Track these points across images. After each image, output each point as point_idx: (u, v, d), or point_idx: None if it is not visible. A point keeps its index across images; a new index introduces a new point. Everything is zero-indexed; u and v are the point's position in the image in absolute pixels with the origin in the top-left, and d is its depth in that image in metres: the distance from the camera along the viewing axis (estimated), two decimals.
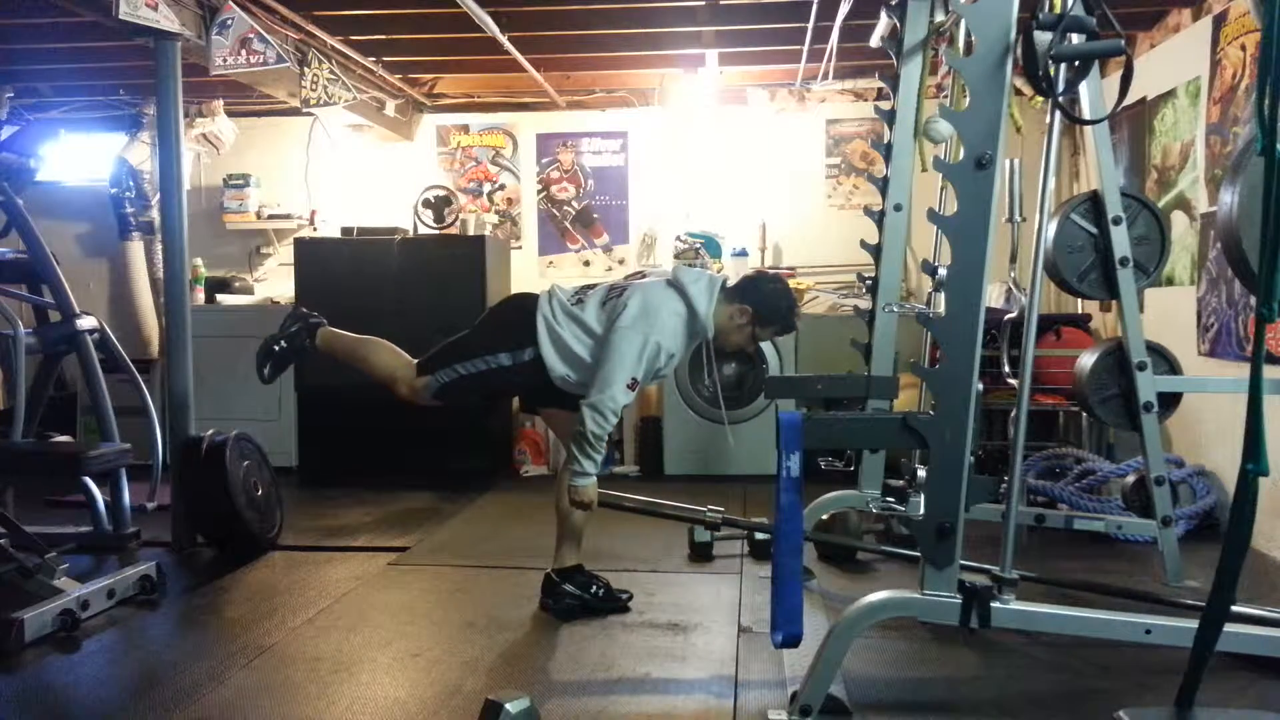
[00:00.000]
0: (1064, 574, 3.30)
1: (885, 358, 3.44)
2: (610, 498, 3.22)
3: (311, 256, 5.48)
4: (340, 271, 5.39)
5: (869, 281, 3.54)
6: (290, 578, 3.51)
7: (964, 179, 2.18)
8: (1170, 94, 4.45)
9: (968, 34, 2.91)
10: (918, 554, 2.58)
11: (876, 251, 3.46)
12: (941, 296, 2.35)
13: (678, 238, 5.92)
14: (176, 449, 3.83)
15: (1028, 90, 4.63)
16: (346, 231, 5.55)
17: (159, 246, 5.56)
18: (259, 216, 6.17)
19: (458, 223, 5.67)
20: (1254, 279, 1.93)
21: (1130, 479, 3.88)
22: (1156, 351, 3.16)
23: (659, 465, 5.42)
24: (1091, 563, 3.54)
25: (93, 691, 2.52)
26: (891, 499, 3.35)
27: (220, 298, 5.89)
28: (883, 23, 3.86)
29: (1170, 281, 4.39)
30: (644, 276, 3.13)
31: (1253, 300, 2.71)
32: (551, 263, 6.25)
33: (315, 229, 6.08)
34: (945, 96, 3.71)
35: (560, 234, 6.25)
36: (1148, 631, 2.24)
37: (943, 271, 2.25)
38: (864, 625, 2.30)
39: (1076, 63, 2.29)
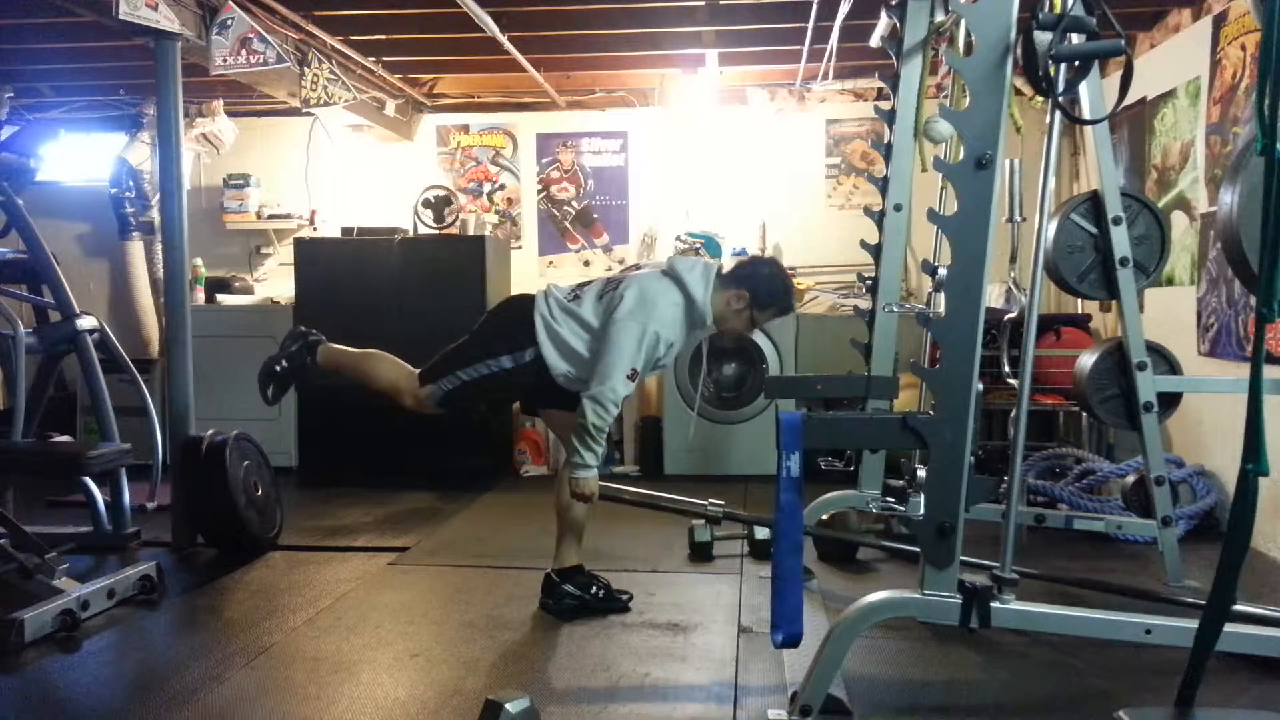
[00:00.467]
0: (1064, 574, 3.30)
1: (885, 358, 3.44)
2: (611, 490, 3.22)
3: (311, 256, 5.48)
4: (340, 271, 5.39)
5: (869, 281, 3.54)
6: (290, 578, 3.51)
7: (964, 179, 2.18)
8: (1170, 94, 4.45)
9: (968, 34, 2.91)
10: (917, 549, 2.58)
11: (876, 251, 3.46)
12: (941, 296, 2.34)
13: (678, 238, 5.92)
14: (176, 449, 3.83)
15: (1028, 90, 4.64)
16: (346, 231, 5.55)
17: (159, 246, 5.56)
18: (259, 216, 6.17)
19: (458, 223, 5.67)
20: (1254, 279, 1.93)
21: (1130, 479, 3.88)
22: (1156, 351, 3.16)
23: (659, 465, 5.42)
24: (1091, 563, 3.54)
25: (93, 691, 2.52)
26: (891, 499, 3.35)
27: (220, 298, 5.89)
28: (883, 23, 3.86)
29: (1170, 281, 4.39)
30: (639, 269, 3.13)
31: (1253, 300, 2.71)
32: (551, 263, 6.25)
33: (315, 229, 6.08)
34: (945, 96, 3.71)
35: (560, 234, 6.25)
36: (1148, 631, 2.24)
37: (943, 271, 2.25)
38: (864, 625, 2.30)
39: (1076, 63, 2.29)
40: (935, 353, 3.71)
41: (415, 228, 5.66)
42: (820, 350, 5.31)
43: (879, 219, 3.44)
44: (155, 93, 3.96)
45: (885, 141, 3.43)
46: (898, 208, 3.40)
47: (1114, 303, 3.15)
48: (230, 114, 5.87)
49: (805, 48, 4.82)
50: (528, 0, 4.32)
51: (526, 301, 3.08)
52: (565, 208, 6.24)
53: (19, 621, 2.73)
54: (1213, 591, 1.92)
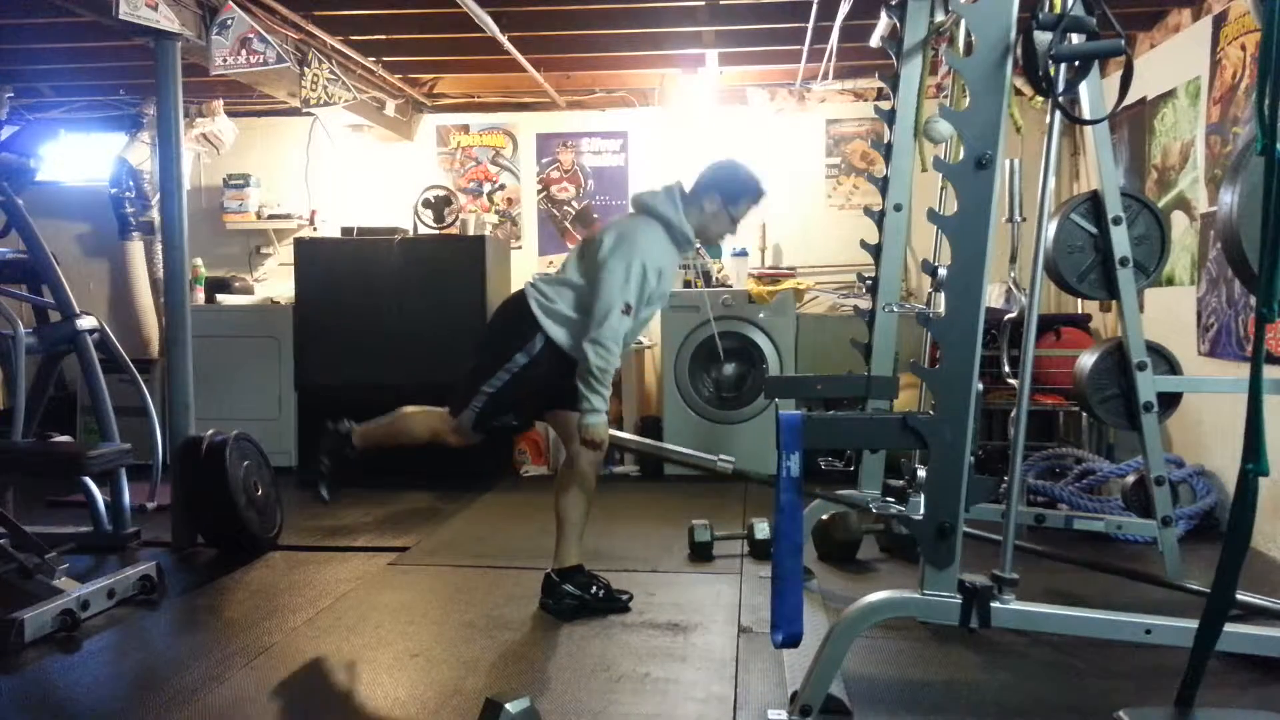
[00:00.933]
0: (1064, 574, 3.31)
1: (885, 358, 3.43)
2: (620, 439, 3.19)
3: (311, 256, 5.47)
4: (340, 271, 5.39)
5: (869, 281, 3.54)
6: (290, 578, 3.51)
7: (964, 179, 2.18)
8: (1170, 94, 4.45)
9: (968, 34, 2.91)
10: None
11: (876, 251, 3.46)
12: (941, 296, 2.34)
13: None
14: (176, 449, 3.82)
15: (1028, 90, 4.63)
16: (346, 231, 5.55)
17: (159, 246, 5.56)
18: (259, 216, 6.17)
19: (458, 223, 5.67)
20: (1254, 279, 1.93)
21: (1130, 479, 3.88)
22: (1156, 351, 3.16)
23: (659, 465, 5.41)
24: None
25: (93, 691, 2.52)
26: (891, 499, 3.35)
27: (220, 298, 5.89)
28: (883, 23, 3.86)
29: (1170, 281, 4.39)
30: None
31: (1253, 300, 2.71)
32: (551, 262, 6.24)
33: (315, 229, 6.08)
34: (945, 96, 3.71)
35: (560, 234, 6.25)
36: (1148, 631, 2.24)
37: (943, 271, 2.25)
38: (864, 625, 2.29)
39: (1076, 63, 2.29)
40: (935, 353, 3.71)
41: (415, 228, 5.65)
42: (820, 350, 5.32)
43: (879, 219, 3.44)
44: (155, 93, 3.96)
45: (885, 141, 3.43)
46: (898, 208, 3.39)
47: (1114, 303, 3.15)
48: (230, 114, 5.87)
49: (805, 48, 4.82)
50: (528, 0, 4.33)
51: (516, 296, 3.11)
52: (565, 208, 6.24)
53: (19, 621, 2.73)
54: (1212, 591, 1.92)
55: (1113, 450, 4.65)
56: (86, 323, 3.90)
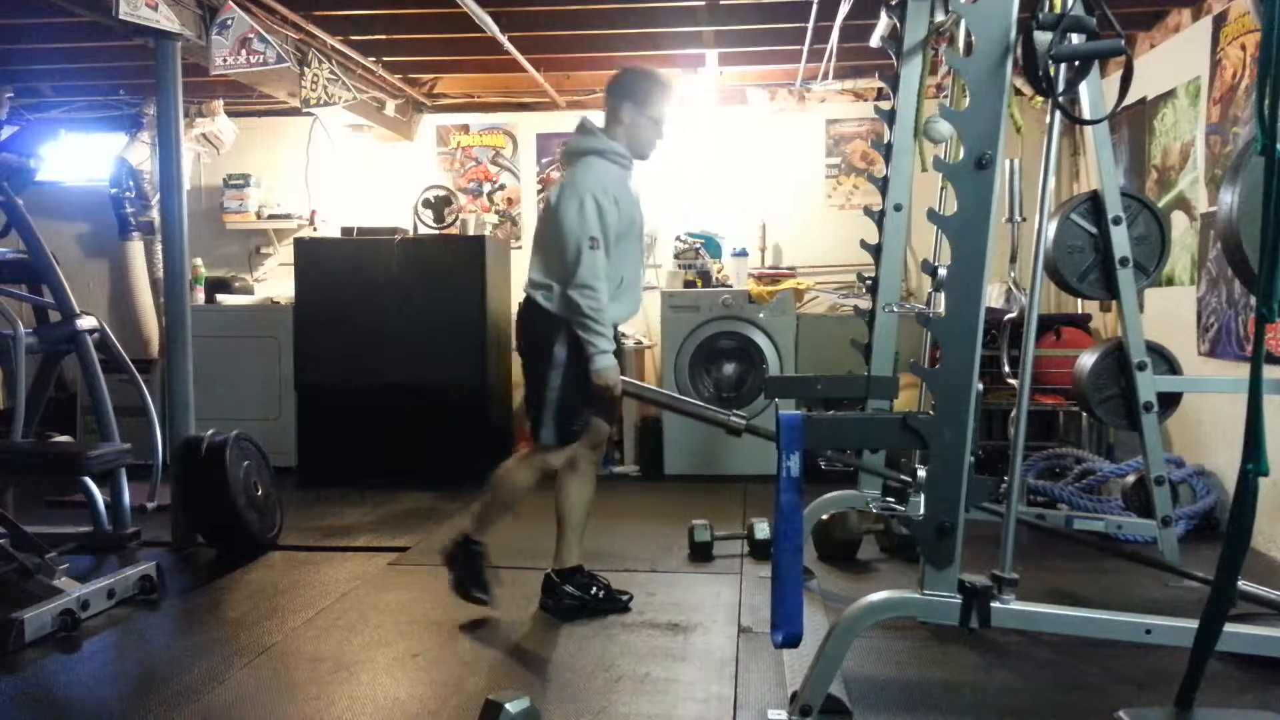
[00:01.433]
0: (1064, 574, 3.31)
1: (885, 358, 3.43)
2: (633, 387, 3.14)
3: (311, 256, 5.48)
4: (340, 271, 5.39)
5: (869, 281, 3.53)
6: (290, 578, 3.51)
7: (964, 179, 2.18)
8: (1170, 94, 4.45)
9: (968, 34, 2.91)
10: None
11: (876, 251, 3.46)
12: (941, 296, 2.34)
13: (677, 238, 5.91)
14: (176, 449, 3.82)
15: (1028, 90, 4.63)
16: (346, 231, 5.55)
17: (159, 246, 5.56)
18: (259, 216, 6.17)
19: (458, 223, 5.67)
20: (1254, 279, 1.93)
21: (1130, 479, 3.88)
22: (1156, 351, 3.17)
23: (659, 465, 5.41)
24: (1091, 563, 3.53)
25: (93, 691, 2.52)
26: (891, 499, 3.35)
27: (220, 298, 5.89)
28: (883, 23, 3.86)
29: (1170, 281, 4.39)
30: None
31: (1253, 300, 2.71)
32: None
33: (315, 229, 6.08)
34: (945, 96, 3.71)
35: None
36: (1148, 631, 2.24)
37: (943, 271, 2.25)
38: (864, 625, 2.29)
39: (1076, 63, 2.29)
40: (935, 353, 3.71)
41: (415, 228, 5.65)
42: (820, 350, 5.31)
43: (879, 219, 3.44)
44: (155, 93, 3.96)
45: (885, 141, 3.43)
46: (898, 208, 3.39)
47: (1114, 303, 3.15)
48: (230, 114, 5.87)
49: (805, 48, 4.82)
50: (528, 0, 4.32)
51: (523, 303, 3.09)
52: None
53: (19, 621, 2.73)
54: (1212, 591, 1.92)
55: (1113, 450, 4.65)
56: (86, 323, 3.90)
